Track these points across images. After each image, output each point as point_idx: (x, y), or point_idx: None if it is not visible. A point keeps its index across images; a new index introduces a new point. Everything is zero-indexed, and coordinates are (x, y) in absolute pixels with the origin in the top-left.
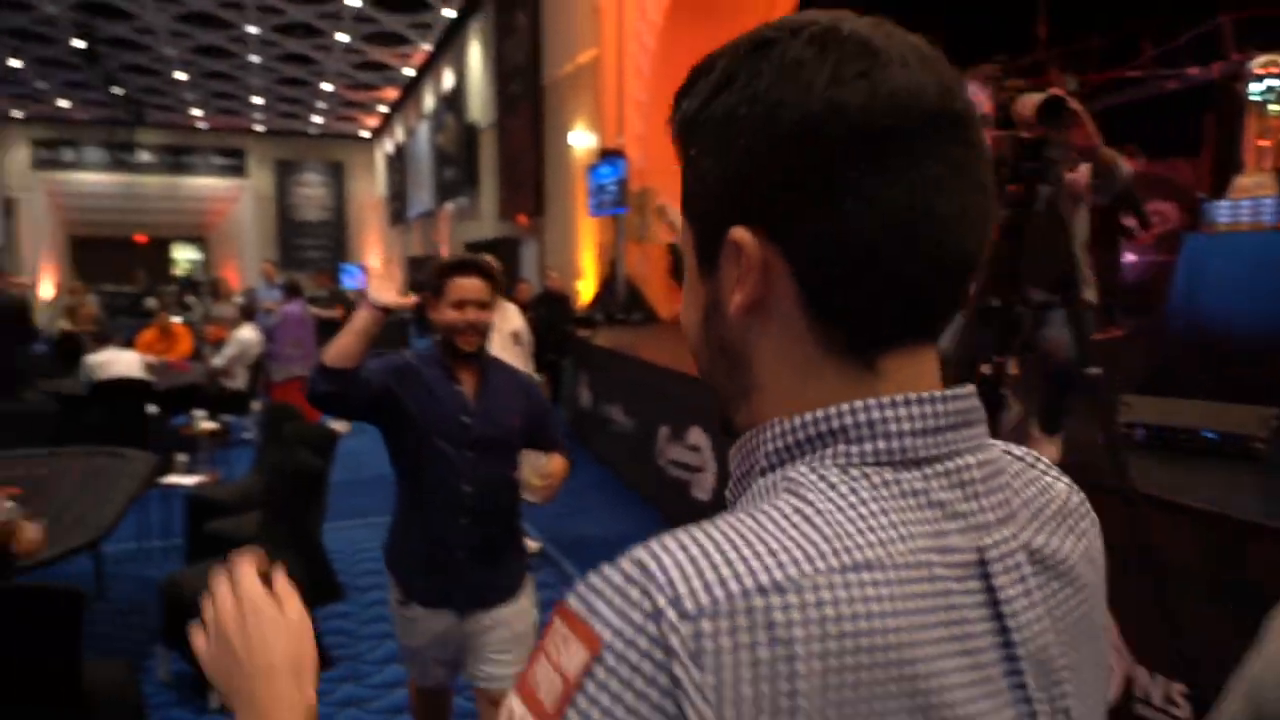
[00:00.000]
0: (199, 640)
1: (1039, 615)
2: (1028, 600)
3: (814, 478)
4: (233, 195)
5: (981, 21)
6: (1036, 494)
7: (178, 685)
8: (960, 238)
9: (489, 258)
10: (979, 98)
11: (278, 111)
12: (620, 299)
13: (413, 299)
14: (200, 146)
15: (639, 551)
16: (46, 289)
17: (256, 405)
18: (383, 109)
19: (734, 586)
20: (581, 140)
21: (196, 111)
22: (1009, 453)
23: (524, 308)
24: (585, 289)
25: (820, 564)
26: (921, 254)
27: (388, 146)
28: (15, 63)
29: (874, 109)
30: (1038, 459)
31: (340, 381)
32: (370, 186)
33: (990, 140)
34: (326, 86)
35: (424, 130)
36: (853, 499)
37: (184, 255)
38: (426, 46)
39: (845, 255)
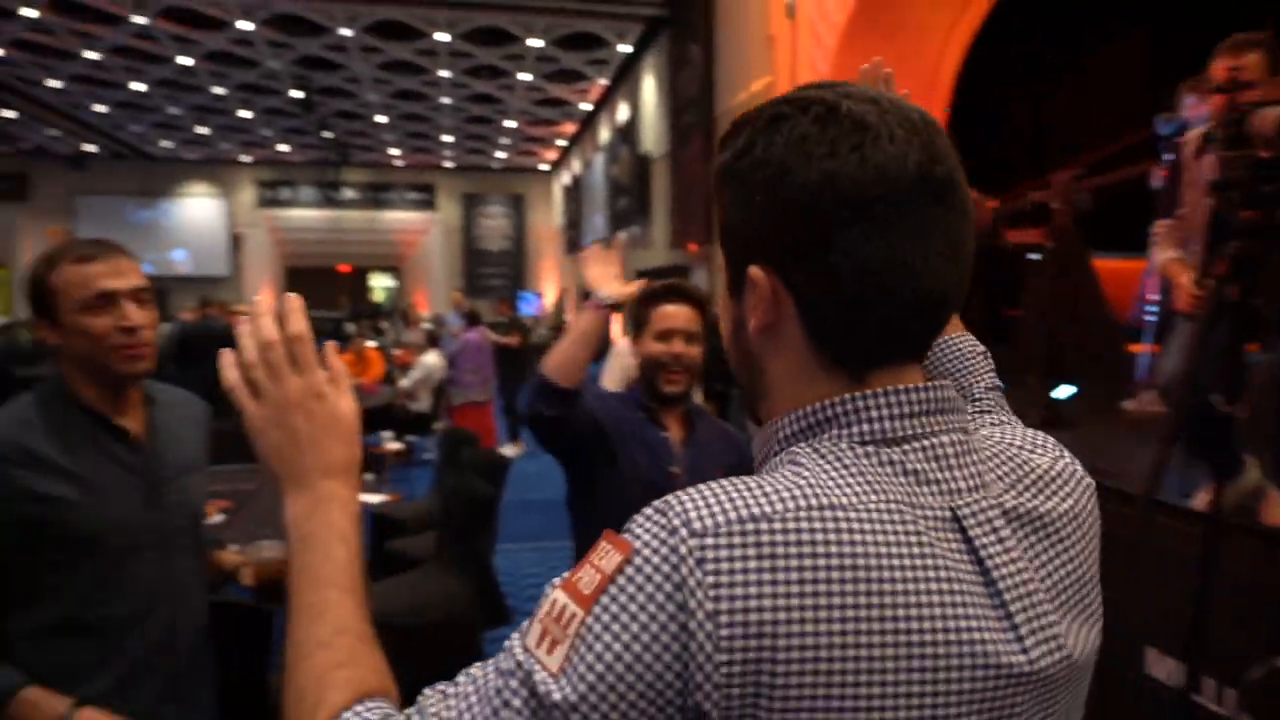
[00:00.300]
0: (250, 404)
1: (1020, 564)
2: (1004, 549)
3: (809, 451)
4: (424, 227)
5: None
6: (1014, 467)
7: None
8: (931, 282)
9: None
10: (1197, 111)
11: (465, 148)
12: None
13: (635, 286)
14: (396, 183)
15: (668, 496)
16: None
17: (439, 426)
18: (561, 143)
19: (733, 515)
20: None
21: (394, 151)
22: (1000, 438)
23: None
24: None
25: (800, 503)
26: (896, 297)
27: (565, 178)
28: (245, 113)
29: (862, 180)
30: (1024, 439)
31: (565, 404)
32: (548, 217)
33: (1217, 162)
34: (509, 123)
35: (599, 162)
36: (836, 465)
37: (381, 283)
38: (603, 81)
39: (833, 295)
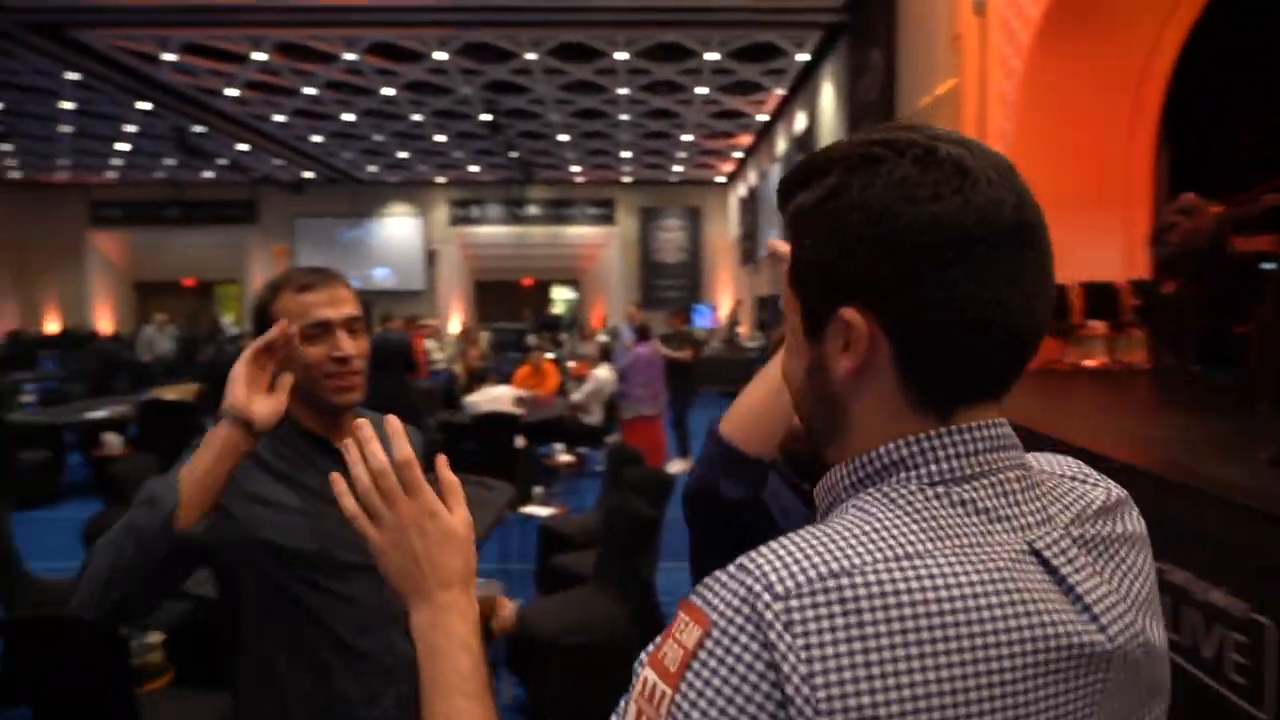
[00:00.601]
0: (371, 530)
1: (1098, 580)
2: (1084, 573)
3: (878, 496)
4: (603, 241)
5: None
6: (1074, 499)
7: (516, 709)
8: (1024, 320)
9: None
10: None
11: (643, 163)
12: None
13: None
14: (577, 199)
15: (740, 558)
16: (454, 326)
17: (610, 440)
18: (737, 155)
19: (813, 573)
20: None
21: (575, 168)
22: (1049, 469)
23: None
24: None
25: (880, 554)
26: (991, 335)
27: (740, 190)
28: (440, 138)
29: (965, 223)
30: (1076, 470)
31: (757, 481)
32: (723, 229)
33: None
34: (686, 137)
35: (775, 173)
36: (908, 509)
37: (562, 295)
38: (780, 91)
39: (931, 333)
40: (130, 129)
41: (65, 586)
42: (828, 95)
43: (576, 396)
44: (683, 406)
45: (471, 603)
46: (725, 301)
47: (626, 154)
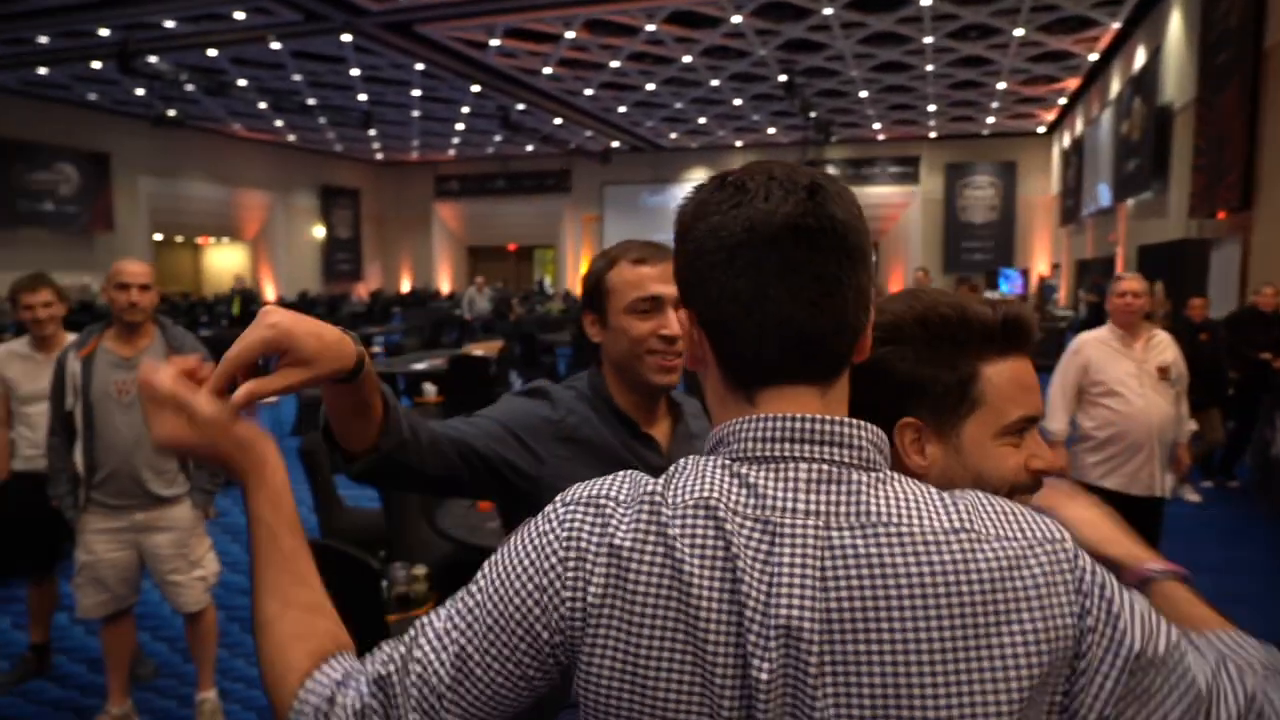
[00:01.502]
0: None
1: (798, 586)
2: (790, 566)
3: (705, 461)
4: (905, 201)
5: None
6: (879, 516)
7: None
8: (798, 311)
9: None
10: None
11: (949, 116)
12: None
13: None
14: (878, 157)
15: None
16: None
17: None
18: (1061, 101)
19: (591, 493)
20: None
21: (876, 125)
22: (892, 489)
23: (1196, 330)
24: None
25: (627, 493)
26: (763, 324)
27: (1064, 140)
28: (737, 101)
29: (735, 230)
30: (939, 502)
31: None
32: (1041, 184)
33: None
34: (1000, 85)
35: (1106, 119)
36: (707, 473)
37: None
38: (1115, 25)
39: (721, 323)
40: (465, 110)
41: (372, 514)
42: (1175, 25)
43: None
44: None
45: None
46: (1041, 265)
47: (932, 107)
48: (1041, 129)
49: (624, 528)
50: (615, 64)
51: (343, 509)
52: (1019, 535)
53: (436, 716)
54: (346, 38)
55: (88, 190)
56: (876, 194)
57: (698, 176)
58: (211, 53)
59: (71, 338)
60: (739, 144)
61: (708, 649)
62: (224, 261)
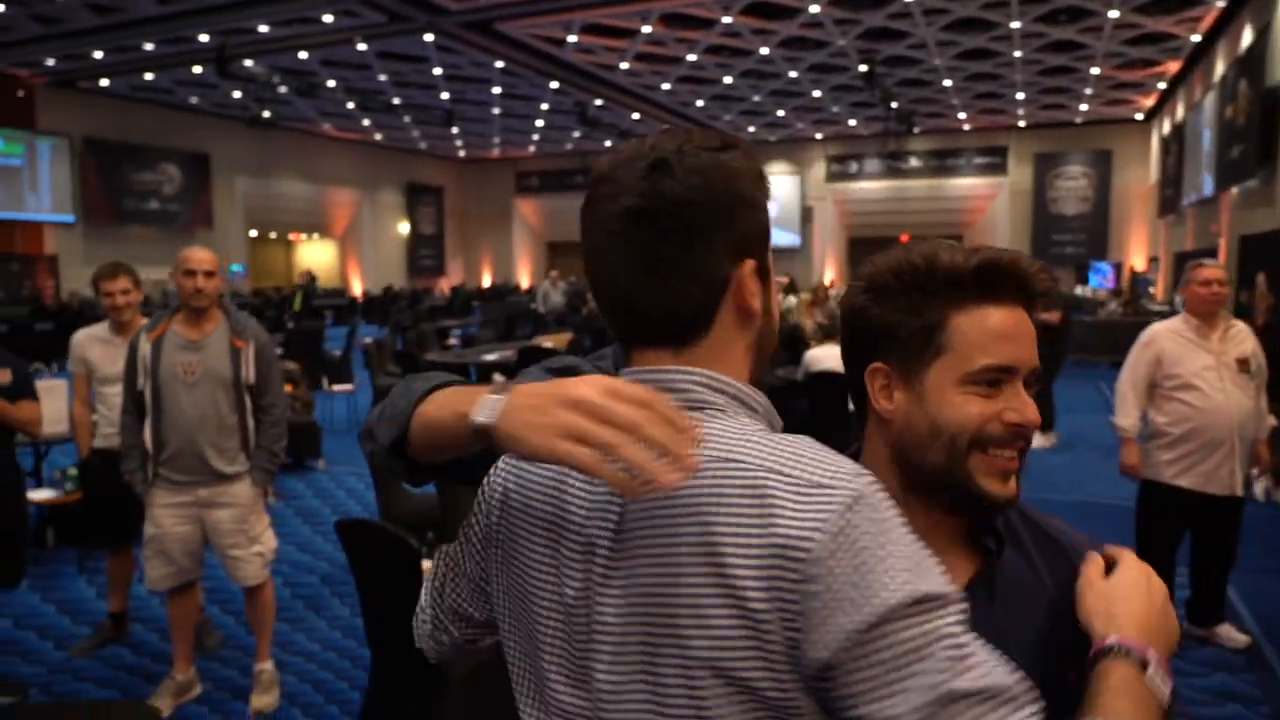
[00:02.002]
0: None
1: (602, 505)
2: (605, 488)
3: None
4: (991, 192)
5: None
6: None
7: None
8: (623, 282)
9: None
10: None
11: (1039, 105)
12: None
13: None
14: (964, 148)
15: None
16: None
17: None
18: (1160, 86)
19: None
20: None
21: (961, 115)
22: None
23: None
24: None
25: None
26: (600, 292)
27: (1164, 127)
28: (816, 93)
29: (583, 210)
30: (750, 439)
31: None
32: (1138, 174)
33: None
34: (1094, 70)
35: (1209, 103)
36: None
37: None
38: (1220, 4)
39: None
40: (544, 107)
41: (429, 499)
42: None
43: None
44: (1047, 374)
45: None
46: (1137, 258)
47: (1020, 95)
48: (1139, 116)
49: (503, 460)
50: (692, 58)
51: (402, 491)
52: (795, 471)
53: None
54: (429, 37)
55: (189, 189)
56: (961, 185)
57: (777, 170)
58: (302, 55)
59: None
60: (819, 136)
61: (538, 567)
62: (314, 257)
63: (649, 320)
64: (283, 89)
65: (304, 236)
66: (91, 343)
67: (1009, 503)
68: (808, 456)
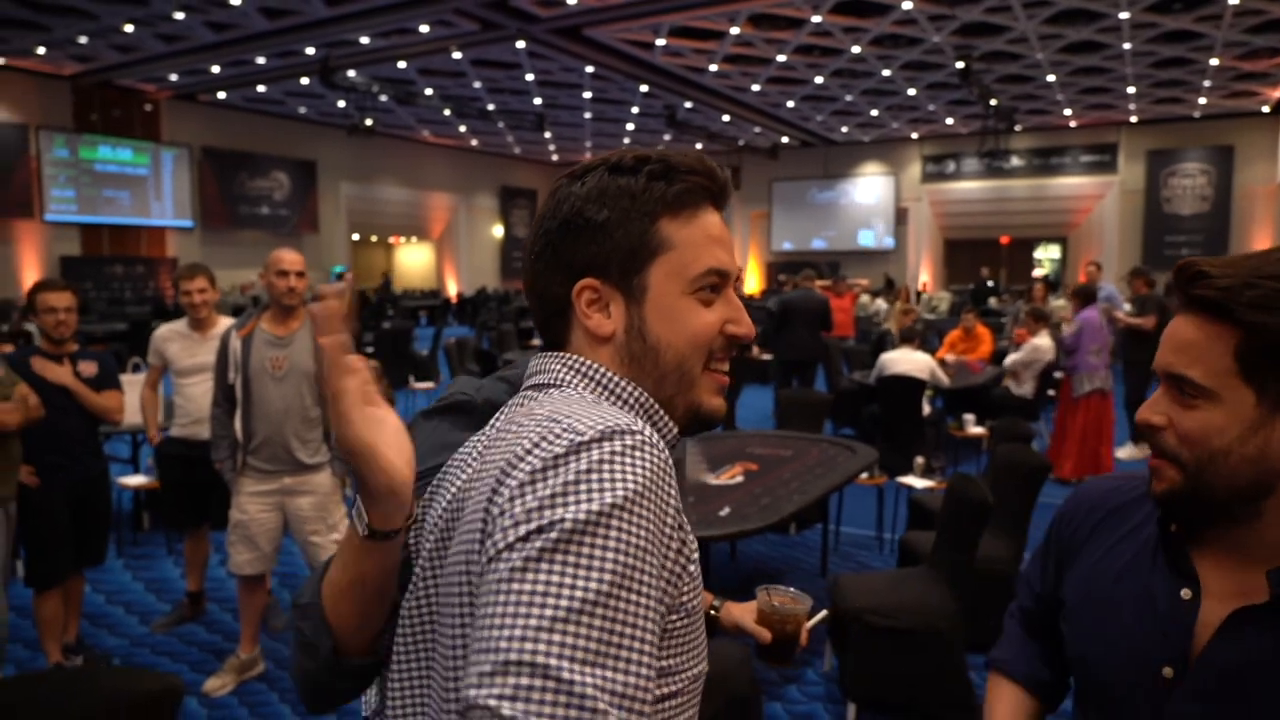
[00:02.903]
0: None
1: (457, 483)
2: (457, 476)
3: None
4: (1099, 192)
5: None
6: (498, 433)
7: (832, 678)
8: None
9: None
10: None
11: (1152, 99)
12: None
13: None
14: (1070, 146)
15: None
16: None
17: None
18: None
19: None
20: None
21: (1066, 111)
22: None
23: None
24: None
25: None
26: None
27: None
28: (911, 91)
29: None
30: (550, 416)
31: None
32: (1265, 172)
33: None
34: (1213, 61)
35: None
36: None
37: (1046, 255)
38: None
39: None
40: (634, 110)
41: None
42: None
43: (1006, 362)
44: (1140, 382)
45: None
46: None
47: (1131, 89)
48: (1265, 108)
49: None
50: (781, 58)
51: None
52: (571, 419)
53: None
54: (520, 44)
55: (296, 195)
56: (1066, 185)
57: (870, 171)
58: (401, 65)
59: (225, 320)
60: (914, 136)
61: None
62: (413, 259)
63: (535, 323)
64: (383, 97)
65: (403, 239)
66: (172, 336)
67: None
68: (593, 412)
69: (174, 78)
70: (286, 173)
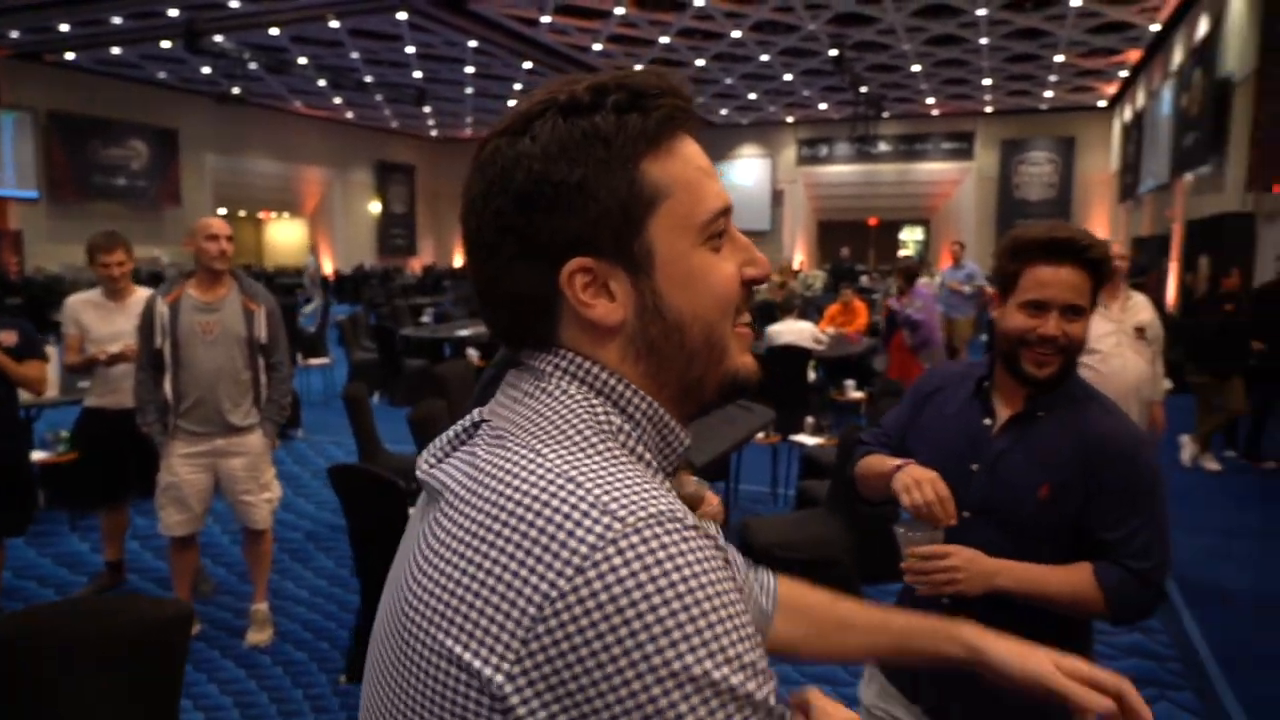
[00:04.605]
0: None
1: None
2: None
3: None
4: (958, 177)
5: None
6: (453, 436)
7: None
8: None
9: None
10: None
11: (1006, 91)
12: None
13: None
14: (932, 133)
15: None
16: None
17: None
18: (1122, 74)
19: None
20: None
21: (929, 100)
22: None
23: (1220, 302)
24: None
25: None
26: None
27: (1125, 115)
28: (788, 76)
29: None
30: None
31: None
32: (1101, 161)
33: None
34: (1058, 58)
35: (1167, 92)
36: None
37: (910, 236)
38: None
39: None
40: (518, 87)
41: (409, 459)
42: None
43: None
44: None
45: None
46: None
47: (987, 81)
48: (1102, 103)
49: None
50: (665, 40)
51: (383, 451)
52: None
53: None
54: (402, 15)
55: (156, 166)
56: (929, 170)
57: (749, 153)
58: (273, 31)
59: (141, 289)
60: (790, 120)
61: None
62: (285, 235)
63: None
64: (253, 65)
65: (273, 215)
66: (85, 306)
67: (1050, 383)
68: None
69: (15, 35)
70: (145, 141)
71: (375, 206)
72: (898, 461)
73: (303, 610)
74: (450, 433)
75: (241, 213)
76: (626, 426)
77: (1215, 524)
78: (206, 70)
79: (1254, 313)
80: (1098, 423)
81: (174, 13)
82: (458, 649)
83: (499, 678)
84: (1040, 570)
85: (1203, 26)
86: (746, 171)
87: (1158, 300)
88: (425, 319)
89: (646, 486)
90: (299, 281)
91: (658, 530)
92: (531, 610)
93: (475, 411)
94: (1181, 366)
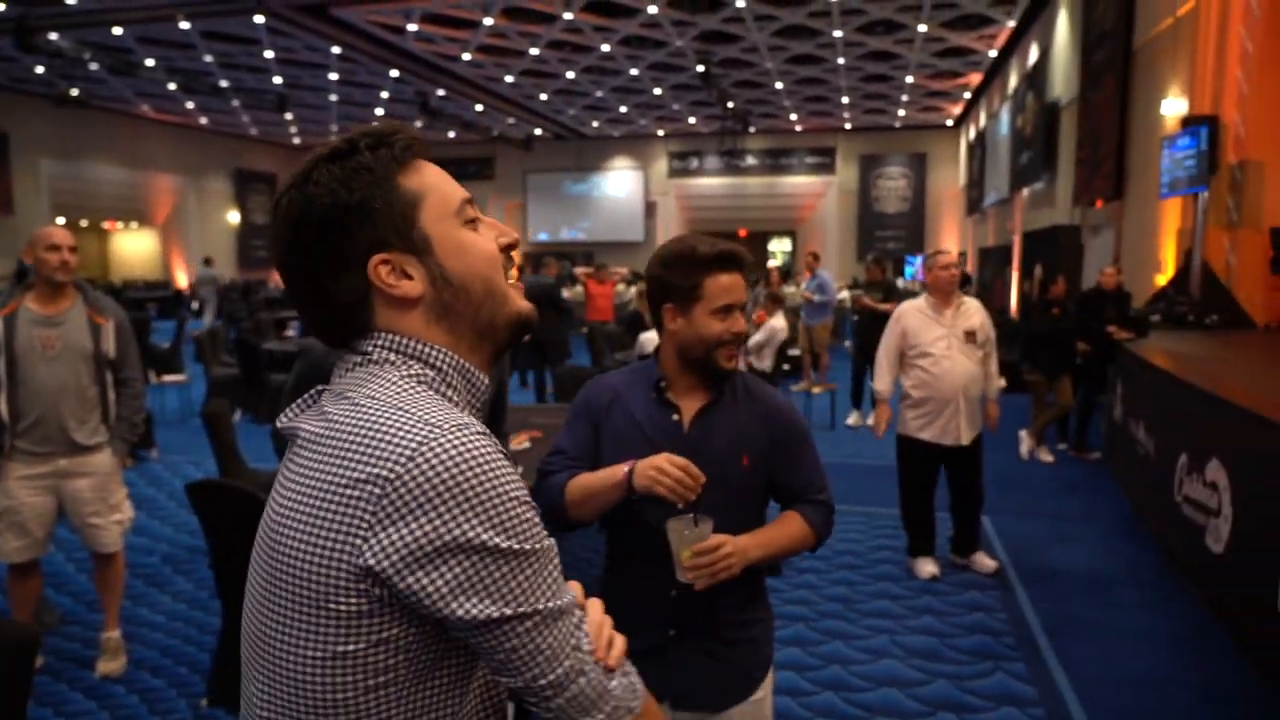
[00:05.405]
0: None
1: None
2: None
3: None
4: (821, 191)
5: None
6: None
7: None
8: None
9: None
10: None
11: (863, 109)
12: (1196, 297)
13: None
14: (796, 148)
15: None
16: None
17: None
18: (966, 96)
19: None
20: (1173, 109)
21: (793, 116)
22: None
23: (1049, 306)
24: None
25: None
26: None
27: (970, 134)
28: (657, 90)
29: None
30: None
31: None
32: (950, 176)
33: None
34: (908, 79)
35: (1005, 113)
36: None
37: (779, 246)
38: (1011, 24)
39: None
40: (384, 95)
41: (272, 474)
42: (1063, 24)
43: (750, 343)
44: (869, 359)
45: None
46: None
47: (846, 100)
48: (949, 122)
49: None
50: (535, 51)
51: (246, 469)
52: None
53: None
54: (259, 19)
55: None
56: (794, 184)
57: (621, 165)
58: (117, 31)
59: None
60: (660, 133)
61: None
62: (133, 246)
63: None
64: (94, 66)
65: (120, 225)
66: None
67: (732, 373)
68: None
69: None
70: None
71: (234, 216)
72: (625, 466)
73: (159, 636)
74: (300, 401)
75: (84, 222)
76: (436, 377)
77: (1048, 510)
78: (40, 70)
79: (1077, 317)
80: (768, 398)
81: (2, 7)
82: (325, 541)
83: (365, 551)
84: (770, 533)
85: (1033, 54)
86: (619, 183)
87: (1002, 306)
88: (290, 333)
89: (454, 411)
90: (151, 295)
91: (464, 434)
92: (376, 492)
93: (317, 387)
94: (1018, 366)
